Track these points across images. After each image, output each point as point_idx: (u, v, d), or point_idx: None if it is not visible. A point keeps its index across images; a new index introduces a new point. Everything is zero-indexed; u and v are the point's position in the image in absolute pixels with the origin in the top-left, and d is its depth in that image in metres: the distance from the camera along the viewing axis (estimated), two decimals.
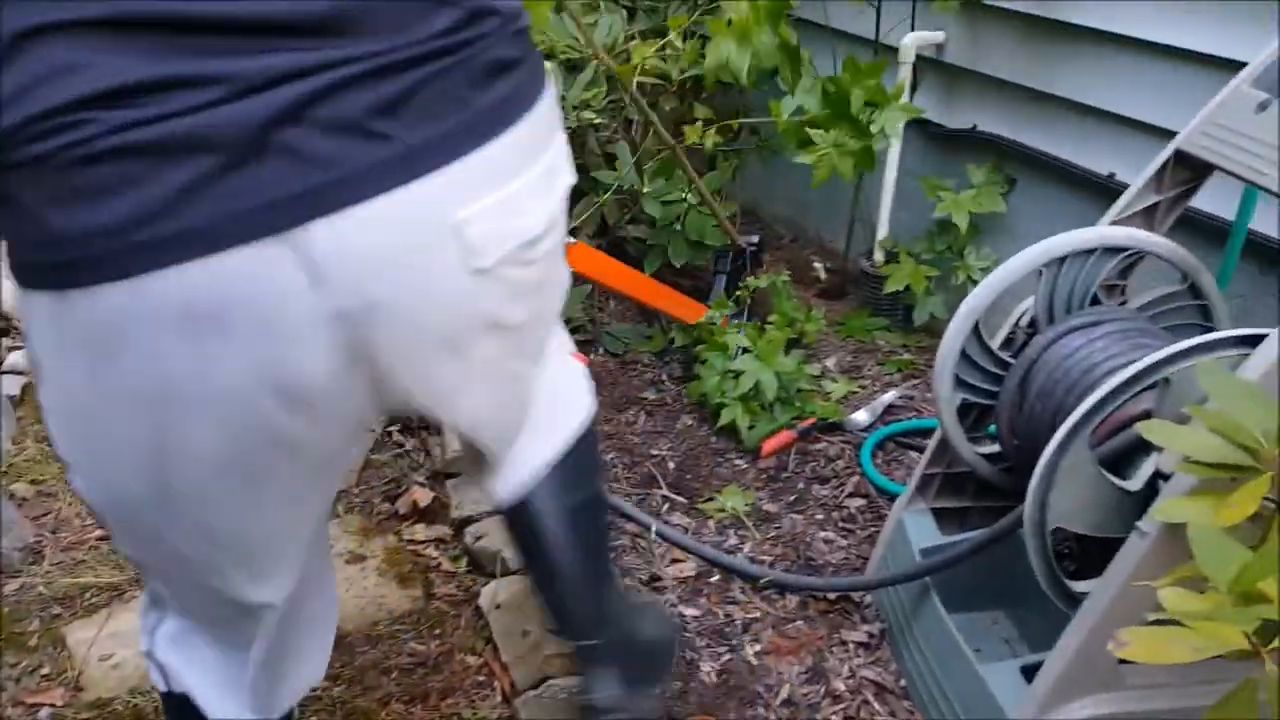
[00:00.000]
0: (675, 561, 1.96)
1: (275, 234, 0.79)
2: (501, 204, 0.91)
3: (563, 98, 2.56)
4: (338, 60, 0.80)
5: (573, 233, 2.70)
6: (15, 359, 2.60)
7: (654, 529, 2.01)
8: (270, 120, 0.78)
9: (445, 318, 0.93)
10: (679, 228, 2.65)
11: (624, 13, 2.74)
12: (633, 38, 2.72)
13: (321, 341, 0.85)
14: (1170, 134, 1.53)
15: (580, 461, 1.29)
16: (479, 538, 1.99)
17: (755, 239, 2.63)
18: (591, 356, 2.63)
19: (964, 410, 1.59)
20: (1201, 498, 0.99)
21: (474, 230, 0.89)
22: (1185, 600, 0.83)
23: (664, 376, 2.56)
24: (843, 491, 2.15)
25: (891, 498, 2.02)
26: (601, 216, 2.76)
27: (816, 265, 2.87)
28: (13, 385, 2.48)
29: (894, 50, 2.50)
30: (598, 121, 2.59)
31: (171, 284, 0.78)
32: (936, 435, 1.69)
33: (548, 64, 2.66)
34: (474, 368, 1.00)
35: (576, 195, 2.73)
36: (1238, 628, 0.77)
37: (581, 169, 2.76)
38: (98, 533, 2.06)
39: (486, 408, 1.09)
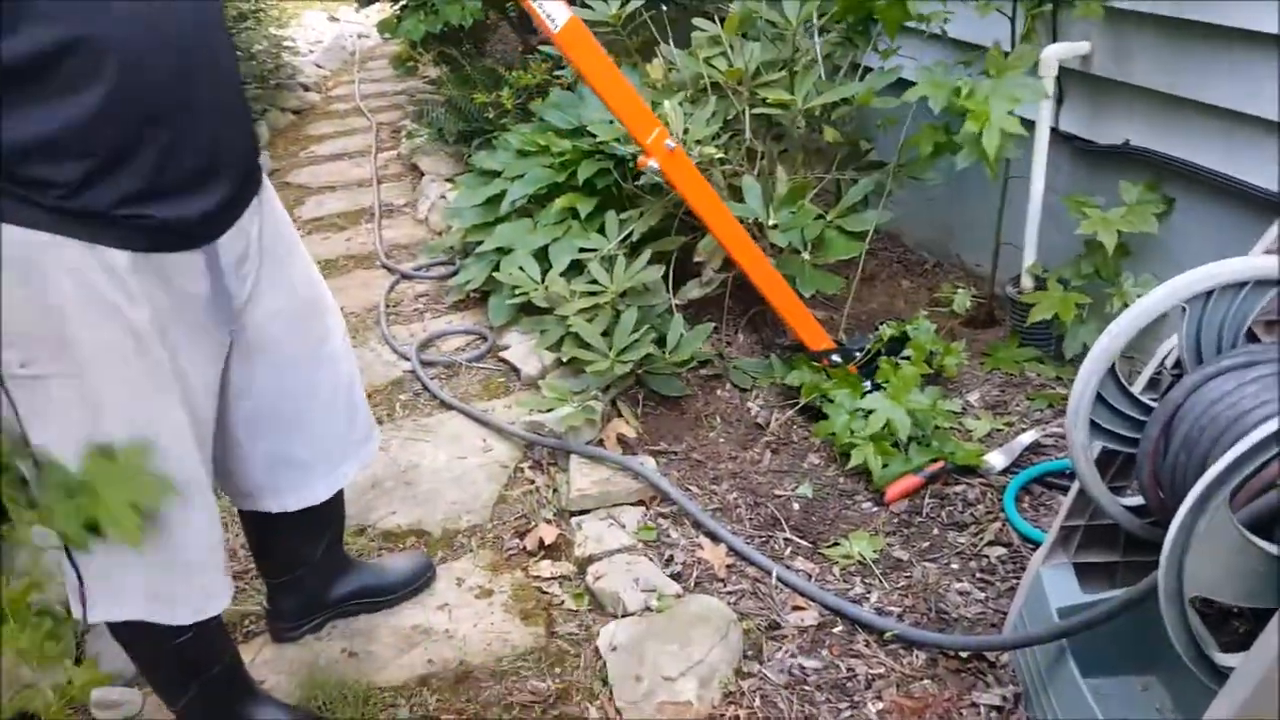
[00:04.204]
0: (797, 609, 1.88)
1: None
2: None
3: (685, 131, 2.55)
4: None
5: (699, 267, 2.68)
6: None
7: (775, 573, 1.94)
8: None
9: None
10: (806, 257, 2.57)
11: (755, 45, 2.71)
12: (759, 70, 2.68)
13: None
14: None
15: None
16: (599, 577, 1.98)
17: (858, 348, 2.51)
18: (719, 391, 2.58)
19: (1105, 458, 1.46)
20: None
21: None
22: None
23: (792, 413, 2.48)
24: (982, 539, 2.01)
25: (1037, 546, 1.87)
26: None
27: (963, 300, 2.72)
28: None
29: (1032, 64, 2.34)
30: (720, 156, 2.56)
31: None
32: (1076, 484, 1.55)
33: (677, 97, 2.67)
34: None
35: (703, 231, 2.70)
36: None
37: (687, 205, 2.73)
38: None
39: None
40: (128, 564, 1.35)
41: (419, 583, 2.04)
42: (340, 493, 1.81)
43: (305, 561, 1.86)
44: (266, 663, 1.89)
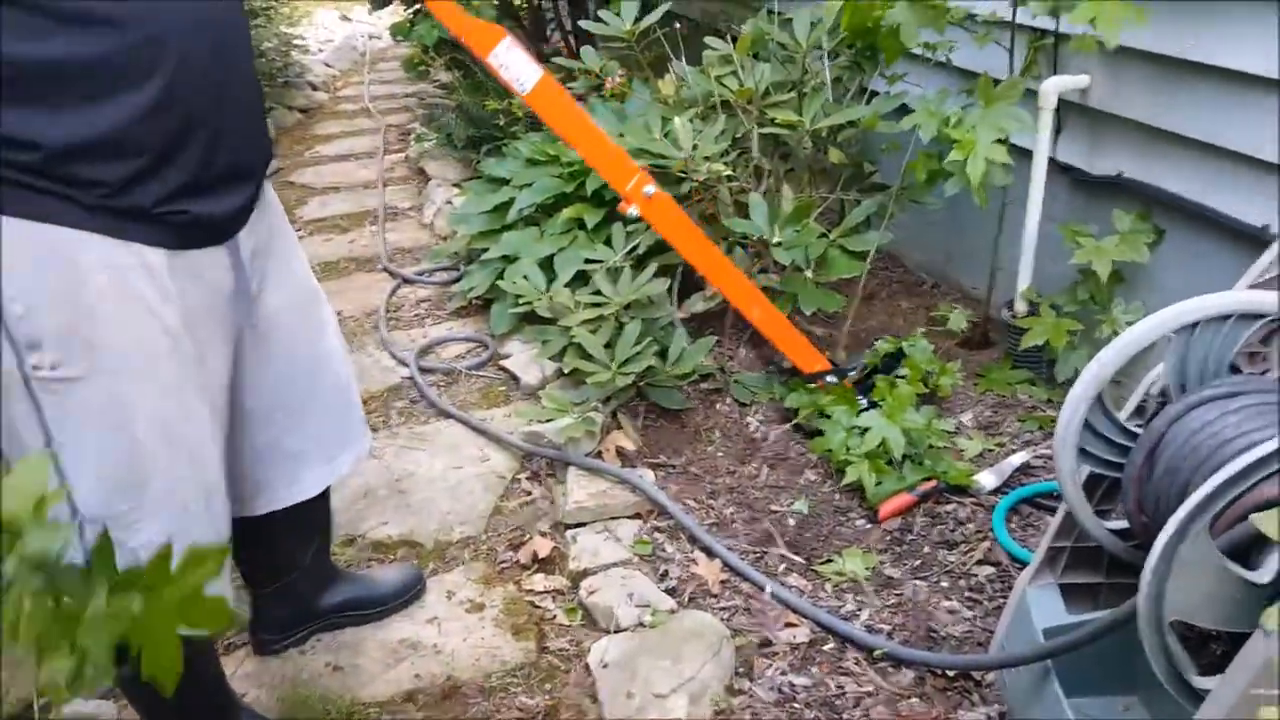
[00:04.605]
0: (789, 625, 1.91)
1: None
2: None
3: (695, 148, 2.59)
4: None
5: (703, 280, 2.72)
6: None
7: (768, 590, 1.98)
8: None
9: None
10: (809, 275, 2.61)
11: (766, 66, 2.76)
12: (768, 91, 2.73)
13: None
14: None
15: None
16: (593, 592, 2.01)
17: (854, 368, 2.56)
18: (719, 406, 2.62)
19: (1092, 482, 1.49)
20: None
21: None
22: None
23: (790, 428, 2.51)
24: (971, 558, 2.05)
25: (1024, 566, 1.91)
26: None
27: (959, 319, 2.77)
28: None
29: (1033, 94, 2.39)
30: (728, 174, 2.60)
31: None
32: (1063, 507, 1.59)
33: (687, 113, 2.72)
34: None
35: None
36: None
37: (712, 219, 2.78)
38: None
39: None
40: None
41: (408, 595, 2.04)
42: (329, 497, 1.82)
43: (295, 566, 1.85)
44: (248, 676, 1.88)
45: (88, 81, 1.16)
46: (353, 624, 1.99)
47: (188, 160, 1.25)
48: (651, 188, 2.19)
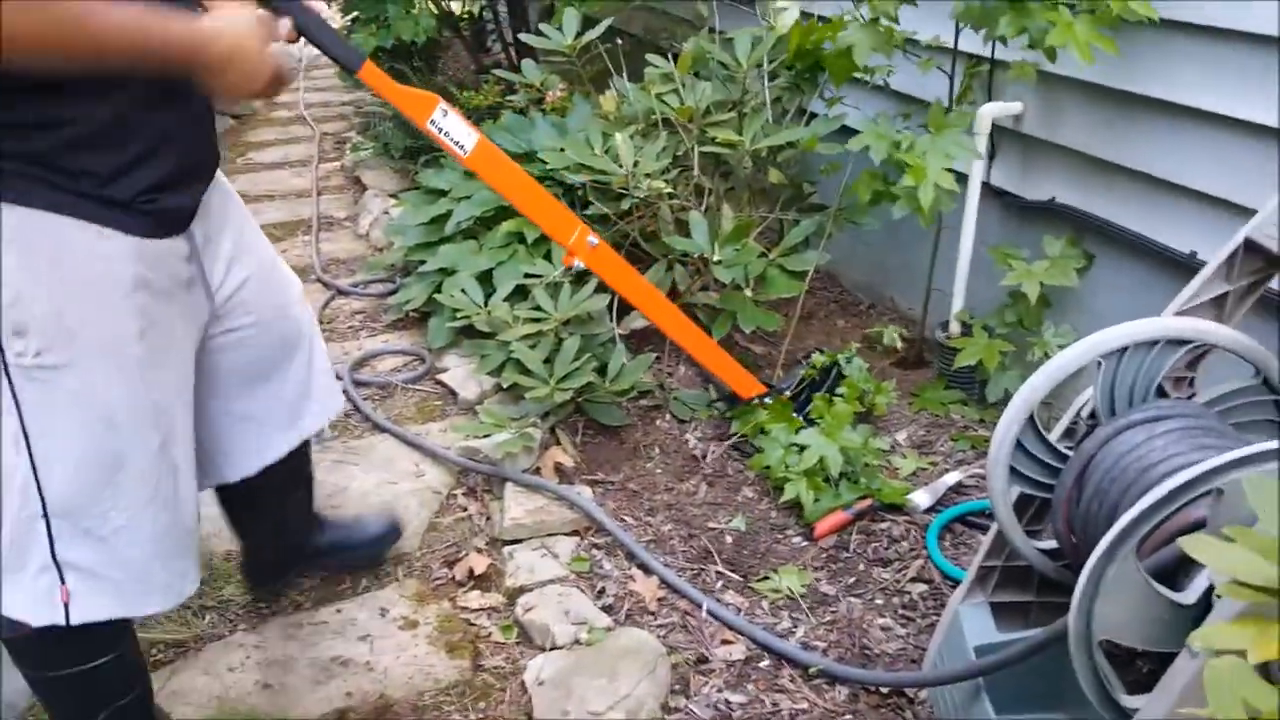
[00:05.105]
0: (725, 643, 1.91)
1: None
2: None
3: (635, 164, 2.59)
4: None
5: None
6: None
7: (705, 607, 1.98)
8: None
9: None
10: (748, 293, 2.63)
11: (707, 85, 2.78)
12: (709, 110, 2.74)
13: None
14: (1253, 214, 1.45)
15: None
16: (529, 609, 1.99)
17: (786, 385, 2.57)
18: (659, 422, 2.62)
19: (1023, 503, 1.52)
20: (1249, 623, 0.92)
21: None
22: None
23: (729, 446, 2.52)
24: (905, 576, 2.07)
25: (957, 584, 1.93)
26: (672, 283, 2.77)
27: (892, 335, 2.82)
28: None
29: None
30: (669, 191, 2.61)
31: None
32: (995, 527, 1.61)
33: (628, 130, 2.72)
34: None
35: (648, 263, 2.75)
36: None
37: (653, 236, 2.78)
38: None
39: None
40: (123, 558, 1.38)
41: (388, 541, 2.16)
42: (308, 448, 1.88)
43: (282, 517, 1.94)
44: (176, 694, 1.83)
45: (94, 78, 1.18)
46: (336, 570, 2.12)
47: (168, 155, 1.30)
48: (594, 238, 2.20)
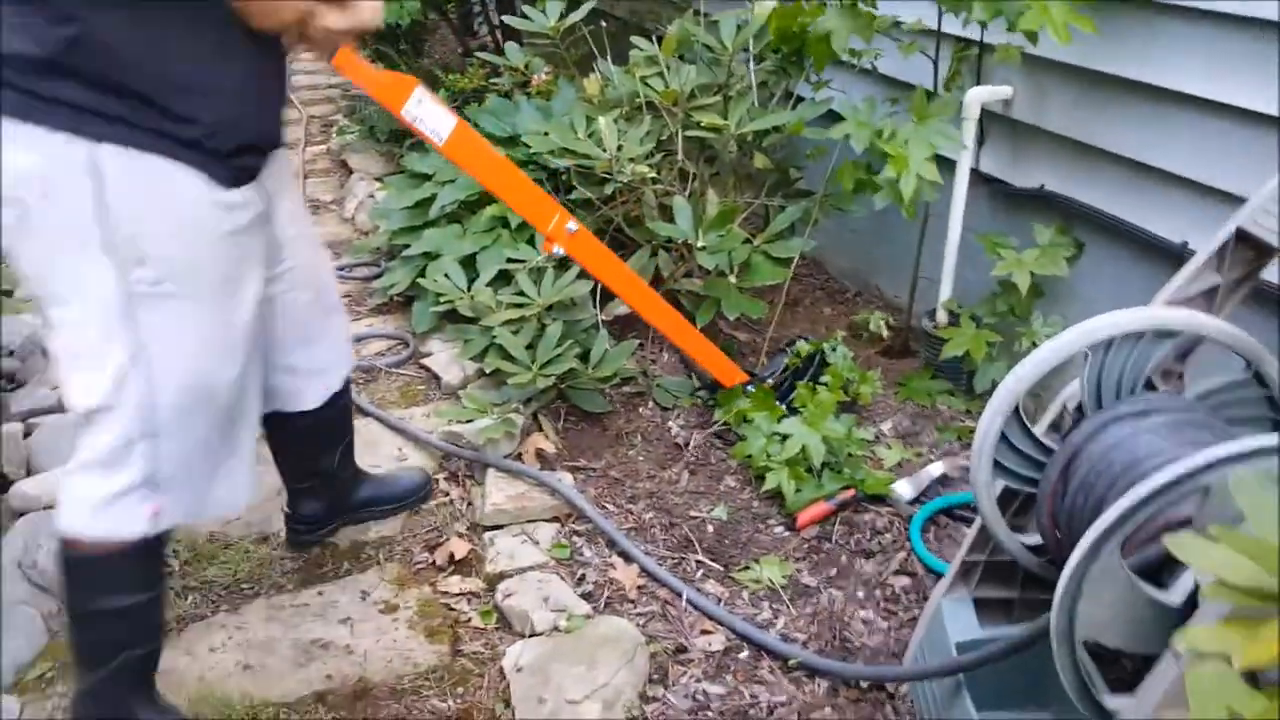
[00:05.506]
0: (705, 633, 1.89)
1: None
2: None
3: (619, 149, 2.55)
4: None
5: None
6: None
7: (685, 596, 1.95)
8: None
9: None
10: (733, 280, 2.59)
11: (692, 68, 2.73)
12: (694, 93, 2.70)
13: None
14: (1244, 202, 1.42)
15: None
16: (509, 595, 1.97)
17: (767, 374, 2.54)
18: (641, 409, 2.59)
19: (1007, 497, 1.50)
20: (1234, 626, 0.89)
21: None
22: None
23: (712, 434, 2.49)
24: (888, 568, 2.05)
25: (940, 577, 1.91)
26: (656, 269, 2.73)
27: (878, 321, 2.79)
28: None
29: (956, 104, 2.41)
30: (652, 176, 2.57)
31: None
32: (978, 521, 1.59)
33: (612, 113, 2.68)
34: None
35: (632, 248, 2.71)
36: None
37: (636, 221, 2.74)
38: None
39: None
40: (200, 471, 1.56)
41: (420, 494, 2.28)
42: (349, 406, 2.06)
43: (323, 468, 2.06)
44: (157, 673, 1.80)
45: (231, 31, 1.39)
46: (374, 519, 2.23)
47: (262, 117, 1.50)
48: (574, 224, 2.15)
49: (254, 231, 1.53)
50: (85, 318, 1.40)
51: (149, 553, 1.56)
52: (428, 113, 1.91)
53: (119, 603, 1.56)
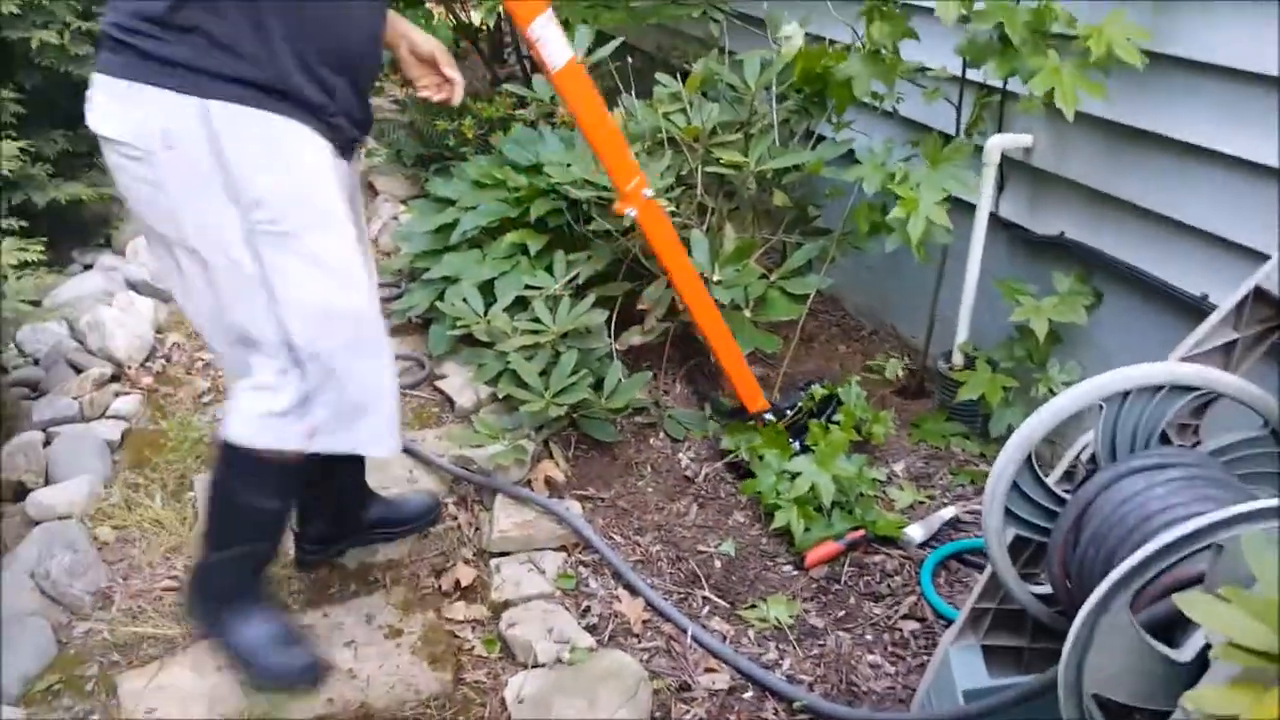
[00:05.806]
0: (709, 671, 1.88)
1: None
2: None
3: None
4: None
5: (641, 314, 2.69)
6: (119, 405, 2.70)
7: (690, 633, 1.94)
8: None
9: None
10: (748, 314, 2.60)
11: (715, 106, 2.76)
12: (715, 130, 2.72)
13: None
14: (1266, 259, 1.42)
15: None
16: (513, 625, 1.96)
17: (788, 404, 2.55)
18: (652, 440, 2.59)
19: (1019, 545, 1.49)
20: (1243, 688, 0.89)
21: None
22: None
23: (722, 467, 2.49)
24: (897, 612, 2.03)
25: (950, 623, 1.90)
26: (672, 301, 2.74)
27: (895, 368, 2.79)
28: (114, 430, 2.59)
29: (977, 149, 2.42)
30: (671, 209, 2.58)
31: None
32: (989, 568, 1.58)
33: (634, 147, 2.70)
34: None
35: (649, 279, 2.72)
36: None
37: (654, 254, 2.75)
38: (165, 583, 2.12)
39: None
40: (354, 402, 1.65)
41: (428, 519, 2.28)
42: None
43: (331, 491, 2.08)
44: (161, 689, 1.83)
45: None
46: (383, 541, 2.23)
47: (360, 99, 1.65)
48: (650, 191, 2.18)
49: (349, 194, 1.68)
50: (229, 262, 1.54)
51: (297, 470, 1.71)
52: (552, 36, 1.96)
53: (260, 503, 1.74)
